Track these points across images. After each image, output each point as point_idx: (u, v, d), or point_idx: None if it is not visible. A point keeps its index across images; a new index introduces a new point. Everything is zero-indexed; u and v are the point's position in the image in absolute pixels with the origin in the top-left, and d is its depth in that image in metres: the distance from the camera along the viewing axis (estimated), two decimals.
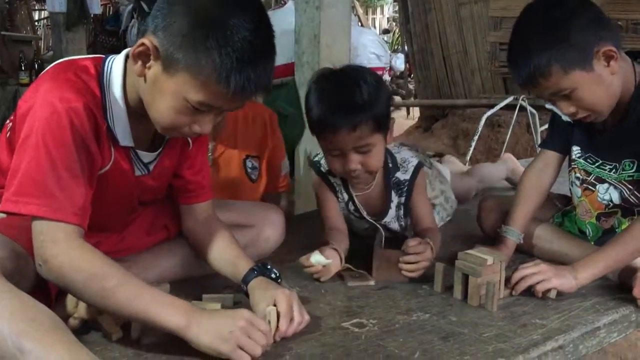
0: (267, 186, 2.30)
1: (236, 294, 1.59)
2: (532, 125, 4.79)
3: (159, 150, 1.56)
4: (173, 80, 1.30)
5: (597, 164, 1.84)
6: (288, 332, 1.39)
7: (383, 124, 1.78)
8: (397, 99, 9.10)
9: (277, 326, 1.39)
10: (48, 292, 1.43)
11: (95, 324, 1.41)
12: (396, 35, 11.81)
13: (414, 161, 1.98)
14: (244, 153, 2.20)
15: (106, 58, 1.44)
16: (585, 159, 1.86)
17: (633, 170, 1.76)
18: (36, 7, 11.52)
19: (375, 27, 14.13)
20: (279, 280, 1.56)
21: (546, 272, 1.65)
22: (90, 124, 1.35)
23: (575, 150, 1.89)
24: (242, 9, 1.28)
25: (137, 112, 1.43)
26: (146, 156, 1.54)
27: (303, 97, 3.21)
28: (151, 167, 1.56)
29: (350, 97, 1.74)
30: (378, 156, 1.82)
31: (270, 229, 1.84)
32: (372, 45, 3.97)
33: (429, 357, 1.35)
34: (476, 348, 1.39)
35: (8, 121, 1.47)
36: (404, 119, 8.52)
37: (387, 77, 4.06)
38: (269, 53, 1.34)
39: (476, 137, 4.65)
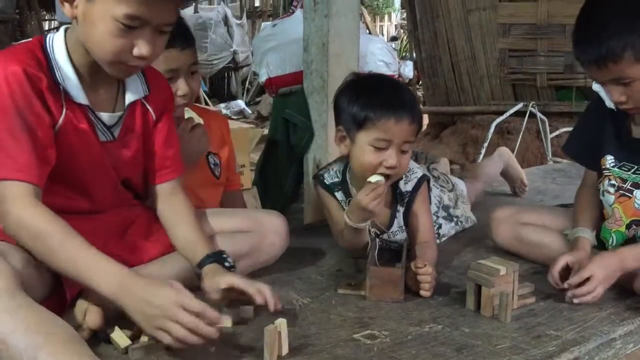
0: (226, 185, 2.32)
1: (256, 305, 1.57)
2: (542, 132, 4.75)
3: (120, 113, 1.58)
4: (96, 4, 1.37)
5: (632, 170, 1.80)
6: (268, 300, 1.48)
7: (421, 129, 1.89)
8: None
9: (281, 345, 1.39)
10: (63, 297, 1.45)
11: (106, 335, 1.41)
12: (404, 43, 11.81)
13: (419, 172, 1.99)
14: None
15: (47, 34, 1.53)
16: (620, 168, 1.83)
17: None
18: (46, 17, 11.61)
19: (383, 35, 14.13)
20: (233, 270, 1.59)
21: (604, 284, 1.64)
22: (32, 85, 1.40)
23: (609, 159, 1.85)
24: None
25: (90, 73, 1.49)
26: (107, 118, 1.56)
27: (312, 106, 3.24)
28: (116, 132, 1.58)
29: (408, 95, 1.91)
30: (408, 162, 1.89)
31: (273, 234, 1.83)
32: (380, 53, 3.93)
33: None
34: None
35: None
36: None
37: None
38: None
39: (486, 144, 4.62)
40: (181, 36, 1.92)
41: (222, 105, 8.88)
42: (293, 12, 3.98)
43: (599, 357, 1.48)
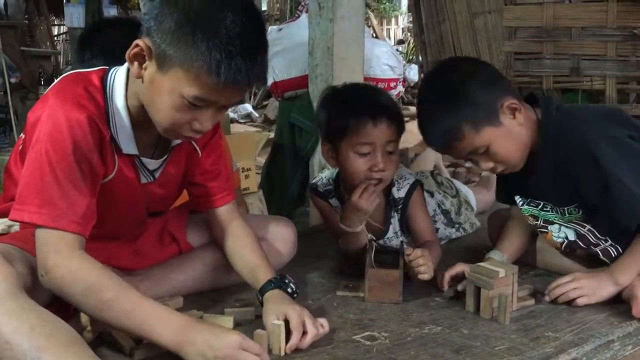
0: None
1: (257, 307, 1.60)
2: None
3: (164, 158, 1.59)
4: (167, 77, 1.33)
5: (539, 206, 1.84)
6: (302, 344, 1.41)
7: (403, 129, 1.89)
8: (413, 109, 9.09)
9: (287, 340, 1.41)
10: (67, 303, 1.45)
11: (110, 337, 1.43)
12: (411, 46, 11.81)
13: (411, 179, 2.01)
14: None
15: (109, 69, 1.49)
16: (528, 205, 1.86)
17: (580, 214, 1.77)
18: (55, 23, 11.69)
19: (390, 38, 14.13)
20: (295, 295, 1.57)
21: (585, 289, 1.66)
22: (93, 136, 1.39)
23: (517, 199, 1.89)
24: (229, 4, 1.32)
25: (139, 120, 1.46)
26: (151, 163, 1.56)
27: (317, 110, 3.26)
28: (157, 174, 1.59)
29: (385, 97, 1.93)
30: (396, 163, 1.89)
31: (280, 242, 1.85)
32: (385, 57, 3.95)
33: None
34: None
35: (22, 134, 1.51)
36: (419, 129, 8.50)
37: (400, 88, 4.05)
38: (260, 45, 1.37)
39: None
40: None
41: (230, 109, 8.91)
42: (298, 16, 4.00)
43: (596, 358, 1.49)
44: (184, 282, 1.70)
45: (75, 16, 6.34)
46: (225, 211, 1.70)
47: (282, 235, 1.87)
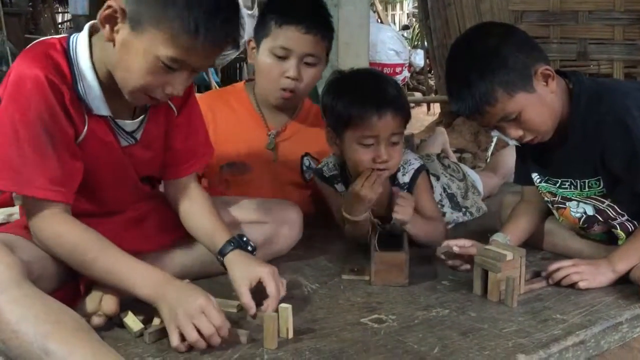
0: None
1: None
2: None
3: (141, 117, 1.57)
4: (142, 38, 1.32)
5: (558, 184, 1.83)
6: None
7: (408, 119, 1.88)
8: (418, 94, 9.06)
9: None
10: (77, 287, 1.47)
11: (119, 321, 1.44)
12: (416, 31, 11.74)
13: (416, 164, 2.01)
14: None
15: (71, 35, 1.48)
16: (546, 182, 1.86)
17: (600, 187, 1.75)
18: (59, 10, 11.68)
19: (395, 24, 14.06)
20: (254, 253, 1.59)
21: (586, 274, 1.67)
22: (55, 94, 1.38)
23: (535, 176, 1.88)
24: None
25: (110, 84, 1.45)
26: (128, 125, 1.55)
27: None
28: (138, 135, 1.58)
29: (392, 87, 1.88)
30: (400, 153, 1.88)
31: (287, 226, 1.85)
32: (390, 42, 3.96)
33: (448, 352, 1.35)
34: (496, 343, 1.39)
35: None
36: (424, 115, 8.48)
37: (406, 73, 4.05)
38: (234, 6, 1.39)
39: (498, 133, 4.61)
40: (313, 19, 1.93)
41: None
42: None
43: (605, 340, 1.49)
44: (191, 266, 1.70)
45: (79, 4, 6.33)
46: (188, 178, 1.71)
47: (289, 219, 1.87)
